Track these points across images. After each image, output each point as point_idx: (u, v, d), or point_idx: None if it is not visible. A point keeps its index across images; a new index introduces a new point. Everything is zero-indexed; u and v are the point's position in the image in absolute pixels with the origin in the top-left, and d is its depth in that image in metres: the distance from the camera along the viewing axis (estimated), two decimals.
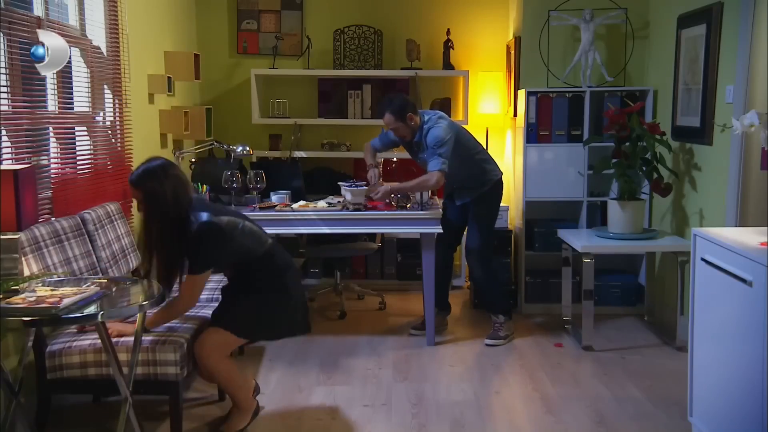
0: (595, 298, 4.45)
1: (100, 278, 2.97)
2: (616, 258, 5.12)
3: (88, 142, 3.92)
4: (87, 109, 3.92)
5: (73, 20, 3.83)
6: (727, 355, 2.78)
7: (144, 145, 4.58)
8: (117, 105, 4.18)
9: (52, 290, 2.63)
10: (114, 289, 2.81)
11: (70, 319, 2.49)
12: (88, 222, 3.53)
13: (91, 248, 3.48)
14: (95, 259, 3.48)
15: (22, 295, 2.55)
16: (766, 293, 2.48)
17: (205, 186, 4.34)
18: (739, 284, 2.65)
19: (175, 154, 4.43)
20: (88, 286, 2.76)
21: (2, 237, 2.74)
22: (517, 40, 5.31)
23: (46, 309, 2.44)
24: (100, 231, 3.60)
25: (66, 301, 2.49)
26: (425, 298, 4.44)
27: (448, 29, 5.62)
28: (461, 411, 3.54)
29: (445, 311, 4.76)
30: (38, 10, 3.45)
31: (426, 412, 3.52)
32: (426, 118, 4.34)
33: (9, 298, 2.53)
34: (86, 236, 3.48)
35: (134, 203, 4.39)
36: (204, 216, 2.98)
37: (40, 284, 2.75)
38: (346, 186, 4.41)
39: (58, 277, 2.97)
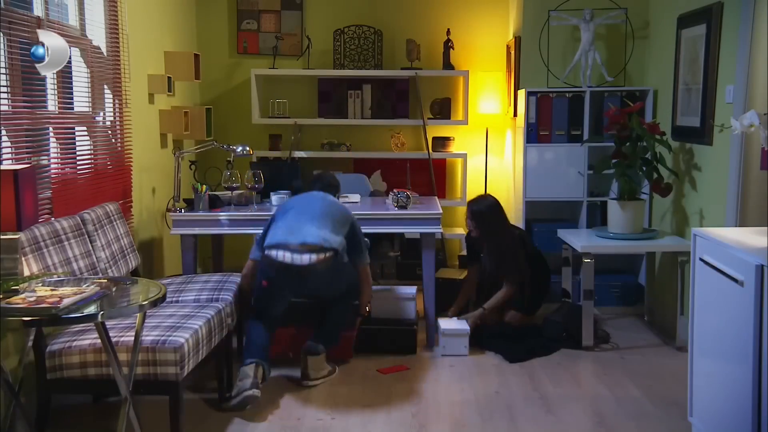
0: (595, 298, 4.45)
1: (100, 278, 2.96)
2: (616, 258, 5.12)
3: (88, 142, 3.92)
4: (87, 109, 3.92)
5: (73, 20, 3.83)
6: (725, 356, 2.78)
7: (144, 145, 4.58)
8: (117, 105, 4.18)
9: (52, 290, 2.62)
10: (114, 289, 2.81)
11: (70, 319, 2.48)
12: (88, 222, 3.53)
13: (90, 248, 3.48)
14: (95, 259, 3.48)
15: (22, 295, 2.55)
16: (755, 293, 2.49)
17: (204, 186, 4.34)
18: (733, 284, 2.66)
19: (175, 154, 4.43)
20: (88, 286, 2.75)
21: (2, 237, 2.73)
22: (517, 40, 5.31)
23: (46, 309, 2.44)
24: (99, 231, 3.61)
25: (66, 301, 2.48)
26: (425, 297, 4.43)
27: (448, 29, 5.62)
28: (461, 411, 3.54)
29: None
30: (38, 10, 3.45)
31: (426, 412, 3.52)
32: None
33: (9, 298, 2.53)
34: (86, 236, 3.48)
35: (134, 203, 4.39)
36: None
37: (40, 284, 2.74)
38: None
39: (58, 277, 2.97)
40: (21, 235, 2.88)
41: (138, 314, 2.79)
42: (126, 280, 2.98)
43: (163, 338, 3.04)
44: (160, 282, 3.21)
